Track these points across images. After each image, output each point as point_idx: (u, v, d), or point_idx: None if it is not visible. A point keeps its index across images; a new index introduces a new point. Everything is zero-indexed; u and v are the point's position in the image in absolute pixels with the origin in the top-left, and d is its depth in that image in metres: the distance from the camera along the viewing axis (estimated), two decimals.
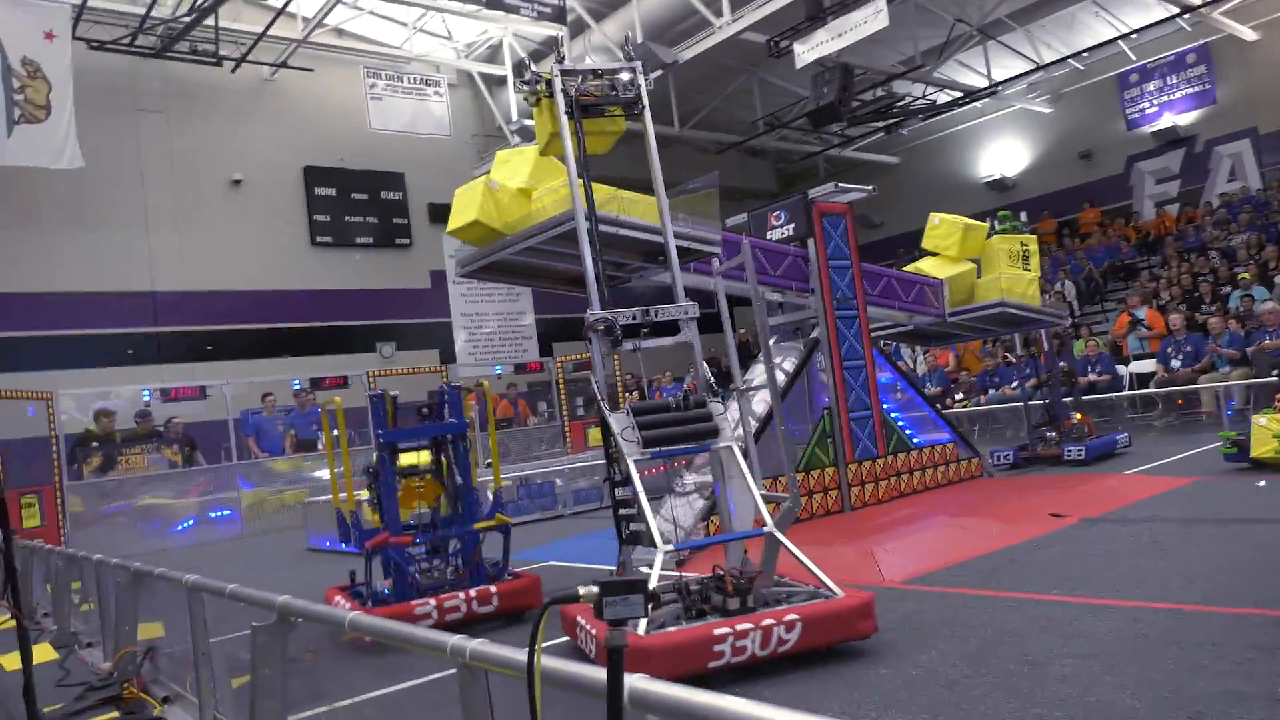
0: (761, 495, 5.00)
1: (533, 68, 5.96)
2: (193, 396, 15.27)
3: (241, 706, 3.66)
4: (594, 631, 4.82)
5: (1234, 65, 20.03)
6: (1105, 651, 4.00)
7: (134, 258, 17.84)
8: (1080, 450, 10.33)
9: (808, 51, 15.40)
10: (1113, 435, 11.03)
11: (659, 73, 6.82)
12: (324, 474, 15.29)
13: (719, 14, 16.11)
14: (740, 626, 4.27)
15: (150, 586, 4.93)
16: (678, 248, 6.60)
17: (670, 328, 5.39)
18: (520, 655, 1.84)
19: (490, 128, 22.19)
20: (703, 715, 1.49)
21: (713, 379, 5.40)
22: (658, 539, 4.73)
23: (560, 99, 5.69)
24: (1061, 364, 12.15)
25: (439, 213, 21.21)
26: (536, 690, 1.46)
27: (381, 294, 20.74)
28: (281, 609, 3.19)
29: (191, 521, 14.22)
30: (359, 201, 20.80)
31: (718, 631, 4.25)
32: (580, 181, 5.67)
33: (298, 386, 15.76)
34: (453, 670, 2.21)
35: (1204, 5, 16.76)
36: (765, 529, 4.79)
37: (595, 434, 16.42)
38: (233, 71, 17.98)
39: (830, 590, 4.62)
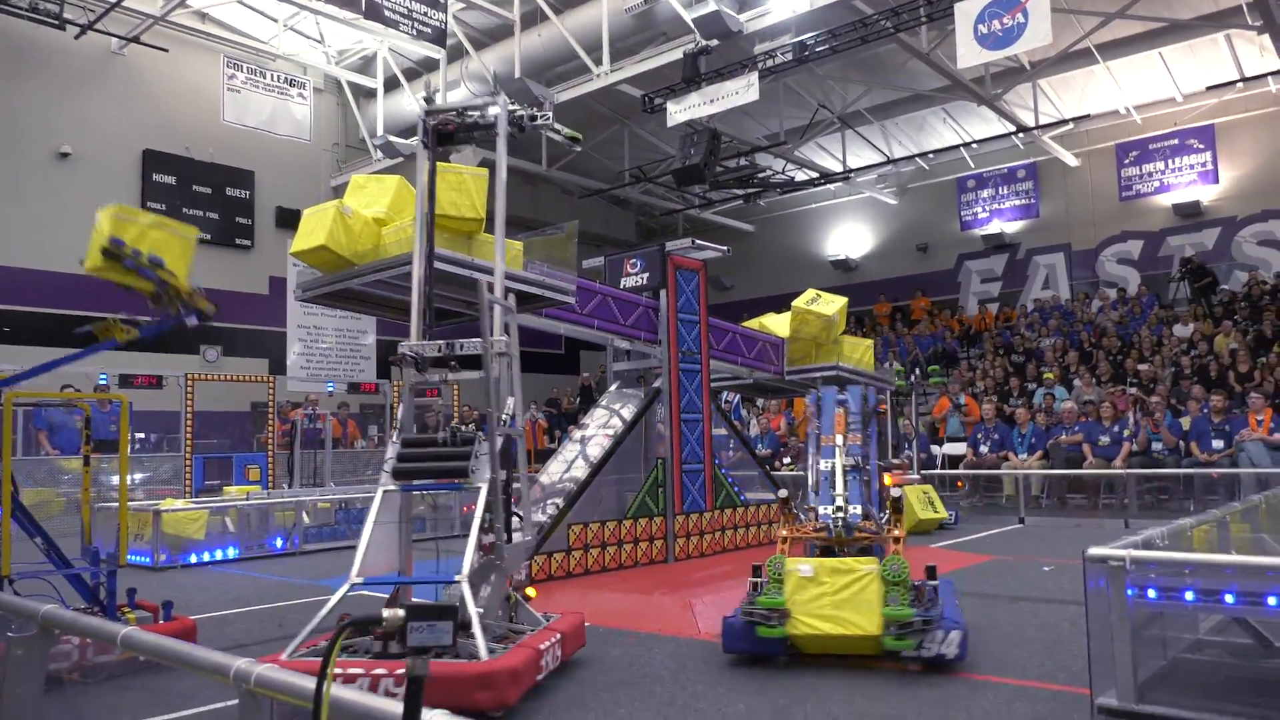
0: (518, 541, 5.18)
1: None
2: None
3: None
4: None
5: (1056, 185, 22.05)
6: (902, 715, 4.15)
7: None
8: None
9: (680, 112, 15.82)
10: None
11: (548, 109, 6.74)
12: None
13: (599, 63, 16.36)
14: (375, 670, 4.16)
15: None
16: (531, 294, 6.68)
17: (476, 362, 5.30)
18: (309, 682, 1.70)
19: (353, 139, 21.55)
20: None
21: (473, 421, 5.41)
22: (354, 570, 4.75)
23: (420, 129, 5.85)
24: (880, 438, 12.79)
25: (287, 217, 20.30)
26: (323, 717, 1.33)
27: (213, 295, 19.37)
28: (45, 619, 2.86)
29: None
30: (200, 195, 19.62)
31: (350, 670, 4.09)
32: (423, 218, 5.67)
33: (104, 381, 14.53)
34: (235, 700, 2.02)
35: (1036, 128, 18.39)
36: (455, 578, 4.59)
37: None
38: (76, 38, 16.73)
39: (477, 653, 4.26)
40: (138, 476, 14.23)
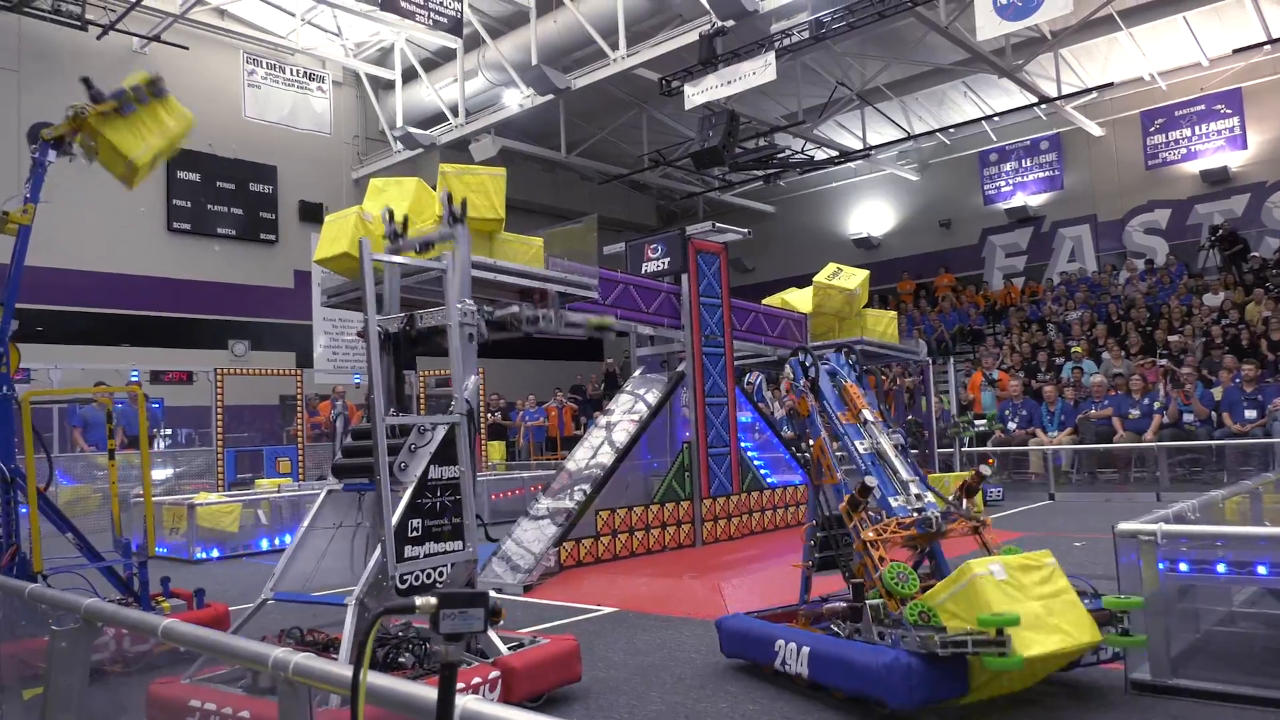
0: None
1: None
2: (14, 379, 14.04)
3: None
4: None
5: (1081, 156, 21.73)
6: None
7: None
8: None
9: (697, 94, 15.75)
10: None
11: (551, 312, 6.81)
12: (157, 474, 14.38)
13: (615, 47, 16.30)
14: None
15: None
16: (557, 291, 6.79)
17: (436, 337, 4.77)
18: (346, 672, 1.73)
19: (373, 131, 21.65)
20: None
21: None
22: (269, 585, 4.35)
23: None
24: (910, 418, 12.74)
25: (310, 211, 20.46)
26: (360, 706, 1.36)
27: (239, 289, 19.77)
28: (88, 612, 2.93)
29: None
30: (224, 191, 19.80)
31: None
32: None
33: (135, 378, 14.76)
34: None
35: (1059, 98, 18.12)
36: (345, 600, 3.97)
37: None
38: (98, 38, 16.89)
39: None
40: (170, 472, 14.46)
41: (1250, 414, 12.45)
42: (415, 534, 4.11)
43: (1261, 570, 4.15)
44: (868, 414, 4.90)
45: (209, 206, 19.53)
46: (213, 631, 2.40)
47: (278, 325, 20.33)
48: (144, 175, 5.80)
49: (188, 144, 20.83)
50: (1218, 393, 13.16)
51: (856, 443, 4.78)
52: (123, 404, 14.82)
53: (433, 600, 1.32)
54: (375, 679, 1.50)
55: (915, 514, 4.41)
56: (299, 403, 15.13)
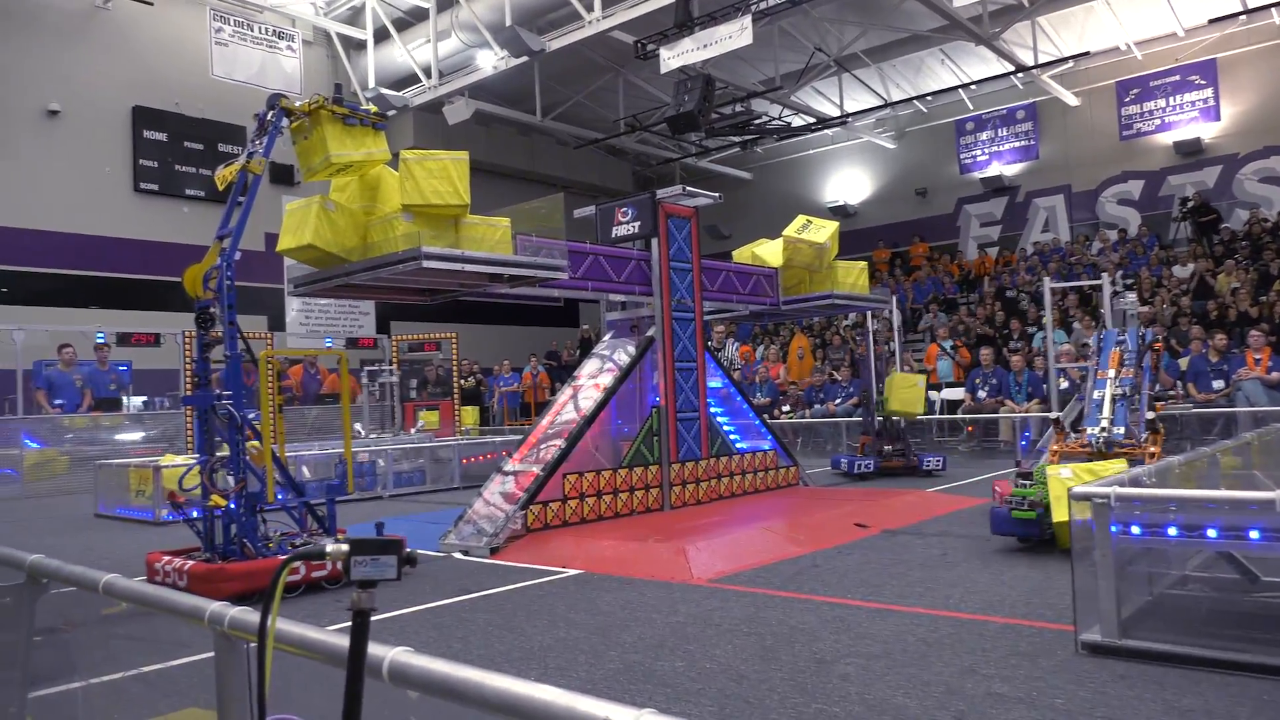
0: None
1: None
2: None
3: None
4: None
5: (1056, 126, 21.77)
6: (889, 653, 4.20)
7: None
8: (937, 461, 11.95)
9: (673, 58, 15.59)
10: (922, 455, 11.95)
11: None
12: (124, 437, 14.23)
13: (590, 9, 16.09)
14: None
15: None
16: (525, 275, 7.26)
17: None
18: (291, 627, 1.72)
19: (345, 92, 21.28)
20: (462, 691, 1.43)
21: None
22: None
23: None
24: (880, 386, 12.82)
25: (281, 173, 20.14)
26: (268, 654, 1.35)
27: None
28: (32, 568, 2.89)
29: None
30: (192, 151, 19.46)
31: None
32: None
33: (101, 340, 14.55)
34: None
35: (1035, 67, 18.11)
36: None
37: (427, 416, 16.00)
38: None
39: None
40: (138, 435, 14.32)
41: (1217, 384, 12.62)
42: None
43: (1211, 534, 4.21)
44: (1111, 373, 7.07)
45: (176, 167, 19.20)
46: (151, 587, 2.38)
47: (248, 289, 19.82)
48: (322, 176, 6.53)
49: (154, 102, 20.41)
50: (1184, 363, 13.32)
51: (1095, 390, 7.07)
52: (88, 366, 14.66)
53: (344, 547, 1.31)
54: (285, 625, 1.48)
55: (1093, 440, 6.71)
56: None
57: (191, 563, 5.83)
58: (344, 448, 6.93)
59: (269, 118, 6.33)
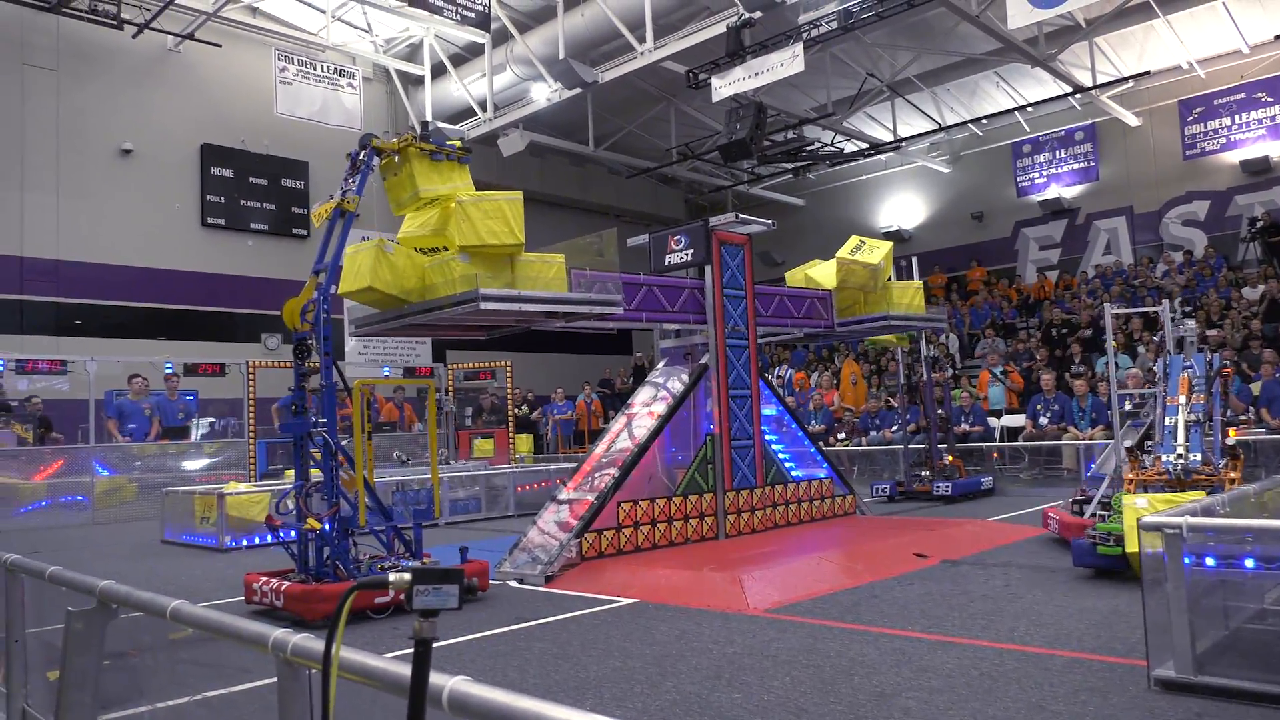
0: None
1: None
2: (51, 370, 14.32)
3: (54, 700, 3.38)
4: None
5: (1116, 146, 21.35)
6: (952, 687, 4.09)
7: (4, 218, 16.75)
8: (948, 487, 11.60)
9: (725, 87, 15.67)
10: (977, 478, 11.80)
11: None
12: (190, 464, 14.61)
13: (642, 40, 16.27)
14: None
15: None
16: (581, 311, 7.42)
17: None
18: (353, 655, 1.74)
19: (403, 126, 21.79)
20: None
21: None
22: None
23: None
24: (939, 412, 12.63)
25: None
26: (332, 681, 1.37)
27: (271, 283, 19.97)
28: (102, 594, 2.97)
29: (44, 503, 13.31)
30: (257, 186, 20.06)
31: None
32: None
33: (170, 370, 14.98)
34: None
35: (1094, 88, 17.81)
36: None
37: (482, 444, 16.14)
38: (134, 37, 17.18)
39: None
40: (203, 463, 14.68)
41: None
42: None
43: None
44: (1182, 399, 6.94)
45: (242, 202, 19.79)
46: (217, 613, 2.43)
47: None
48: (409, 210, 6.84)
49: (221, 140, 21.05)
50: (1256, 387, 12.87)
51: (1168, 417, 6.92)
52: (159, 396, 15.09)
53: (406, 576, 1.32)
54: (350, 654, 1.50)
55: (1169, 467, 6.53)
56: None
57: (288, 583, 5.99)
58: (430, 474, 7.13)
59: (361, 156, 6.51)
